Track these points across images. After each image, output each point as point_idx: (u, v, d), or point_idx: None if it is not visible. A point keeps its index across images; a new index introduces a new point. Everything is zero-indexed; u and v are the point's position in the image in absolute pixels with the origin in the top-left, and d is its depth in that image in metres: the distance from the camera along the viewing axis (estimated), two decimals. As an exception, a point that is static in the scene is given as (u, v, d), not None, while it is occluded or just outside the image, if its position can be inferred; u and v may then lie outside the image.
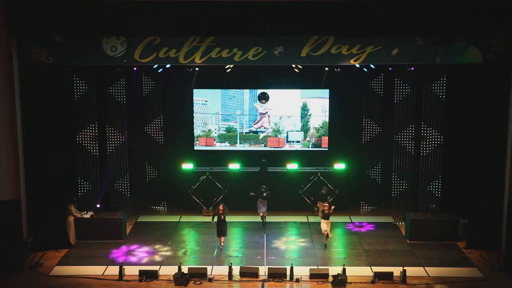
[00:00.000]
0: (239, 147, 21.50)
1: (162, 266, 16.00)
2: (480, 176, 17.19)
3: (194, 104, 21.31)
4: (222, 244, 17.35)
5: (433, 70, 18.62)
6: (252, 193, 19.37)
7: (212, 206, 20.70)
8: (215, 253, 17.15)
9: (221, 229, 17.27)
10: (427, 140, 19.16)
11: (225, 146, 21.52)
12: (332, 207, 17.63)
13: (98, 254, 17.03)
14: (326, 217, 17.47)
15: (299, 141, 21.52)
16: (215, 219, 17.32)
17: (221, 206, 17.40)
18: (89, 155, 19.19)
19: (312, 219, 20.08)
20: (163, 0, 15.89)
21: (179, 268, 15.22)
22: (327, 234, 17.39)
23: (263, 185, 19.45)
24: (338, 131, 21.43)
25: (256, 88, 21.24)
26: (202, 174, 21.04)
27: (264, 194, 19.22)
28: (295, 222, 20.02)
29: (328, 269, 15.59)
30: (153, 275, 15.26)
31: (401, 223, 19.49)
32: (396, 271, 15.20)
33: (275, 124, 21.41)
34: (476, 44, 15.98)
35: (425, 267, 16.03)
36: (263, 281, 15.19)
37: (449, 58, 16.33)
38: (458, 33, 15.99)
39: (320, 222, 17.81)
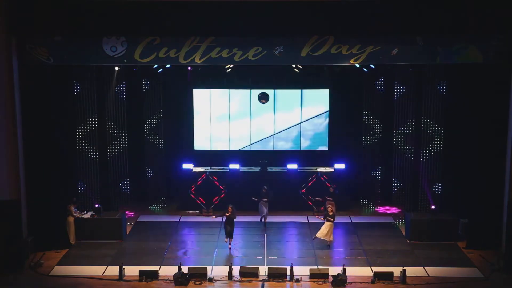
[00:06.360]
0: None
1: (162, 266, 15.98)
2: (480, 176, 17.19)
3: (194, 103, 21.37)
4: (229, 245, 17.26)
5: (433, 70, 18.65)
6: (254, 198, 19.35)
7: (212, 206, 20.72)
8: (215, 253, 17.16)
9: (226, 229, 17.23)
10: (427, 140, 19.16)
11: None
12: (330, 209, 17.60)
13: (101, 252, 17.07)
14: (329, 219, 17.35)
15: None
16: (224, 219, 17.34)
17: (229, 207, 17.32)
18: (89, 155, 19.18)
19: (312, 219, 20.07)
20: (163, 0, 15.90)
21: (179, 268, 15.20)
22: (327, 239, 17.32)
23: (264, 185, 19.45)
24: (338, 131, 21.44)
25: (256, 88, 21.27)
26: (202, 174, 21.04)
27: (266, 199, 19.26)
28: (295, 222, 20.02)
29: (328, 269, 15.57)
30: (153, 275, 15.25)
31: (401, 223, 19.49)
32: (396, 271, 15.19)
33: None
34: (476, 44, 15.98)
35: (425, 267, 16.01)
36: (263, 281, 15.18)
37: (449, 58, 16.32)
38: (458, 33, 15.99)
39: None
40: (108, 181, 19.74)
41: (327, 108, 21.44)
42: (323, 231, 17.31)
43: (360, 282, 15.04)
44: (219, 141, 21.83)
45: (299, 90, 21.48)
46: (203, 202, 20.78)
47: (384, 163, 21.20)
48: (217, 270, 15.74)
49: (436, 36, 16.02)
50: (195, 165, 21.16)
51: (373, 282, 15.02)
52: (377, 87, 20.91)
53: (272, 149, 21.76)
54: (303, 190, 20.91)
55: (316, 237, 17.42)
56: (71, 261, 16.64)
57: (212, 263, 16.36)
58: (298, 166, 21.10)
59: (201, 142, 21.80)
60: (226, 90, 21.50)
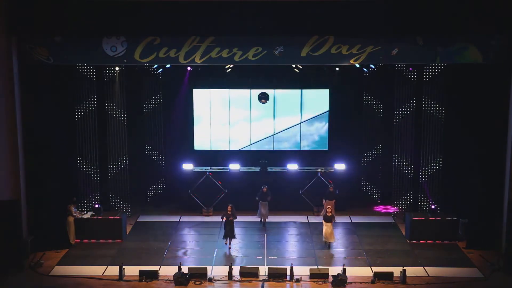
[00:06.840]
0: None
1: (162, 266, 15.99)
2: (480, 176, 17.19)
3: (194, 103, 21.37)
4: (229, 246, 17.32)
5: (433, 70, 18.65)
6: (257, 198, 19.39)
7: (212, 206, 20.71)
8: (215, 253, 17.16)
9: (227, 230, 17.29)
10: (427, 139, 19.17)
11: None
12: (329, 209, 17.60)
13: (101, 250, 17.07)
14: (329, 220, 17.34)
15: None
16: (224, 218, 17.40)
17: (229, 207, 17.38)
18: (89, 155, 19.18)
19: (312, 219, 20.08)
20: (163, 0, 15.89)
21: (179, 268, 15.21)
22: (329, 241, 17.36)
23: (265, 185, 19.43)
24: (338, 131, 21.43)
25: (256, 88, 21.27)
26: (202, 174, 21.03)
27: (268, 197, 19.28)
28: (295, 222, 20.01)
29: (328, 269, 15.59)
30: (153, 275, 15.25)
31: (401, 219, 19.48)
32: (396, 271, 15.19)
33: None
34: (476, 44, 15.97)
35: (425, 267, 16.02)
36: (263, 281, 15.18)
37: (449, 58, 16.32)
38: (458, 33, 15.99)
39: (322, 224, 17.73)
40: (108, 181, 19.74)
41: (327, 108, 21.43)
42: (325, 234, 17.31)
43: (360, 282, 15.05)
44: (219, 141, 21.82)
45: (299, 90, 21.47)
46: (205, 206, 20.79)
47: (384, 163, 21.19)
48: (217, 270, 15.74)
49: (436, 36, 16.01)
50: (195, 165, 21.14)
51: (373, 282, 15.02)
52: (377, 87, 20.90)
53: (272, 149, 21.75)
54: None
55: (325, 242, 17.46)
56: (71, 261, 16.64)
57: (212, 263, 16.36)
58: (298, 166, 21.08)
59: (201, 142, 21.79)
60: (226, 90, 21.49)
